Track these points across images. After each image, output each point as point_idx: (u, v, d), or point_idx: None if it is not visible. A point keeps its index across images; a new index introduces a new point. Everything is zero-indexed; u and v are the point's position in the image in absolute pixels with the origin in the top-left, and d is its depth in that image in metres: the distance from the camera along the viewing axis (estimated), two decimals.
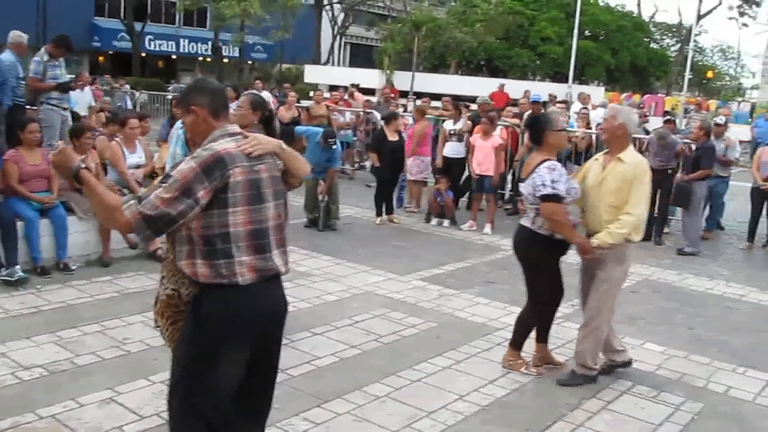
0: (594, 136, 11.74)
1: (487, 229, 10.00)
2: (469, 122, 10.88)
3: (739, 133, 15.81)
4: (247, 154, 2.95)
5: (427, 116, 12.00)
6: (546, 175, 4.82)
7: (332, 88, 21.38)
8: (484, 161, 9.96)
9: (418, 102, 16.60)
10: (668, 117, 12.54)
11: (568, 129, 11.97)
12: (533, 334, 5.32)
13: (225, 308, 2.92)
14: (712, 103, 28.89)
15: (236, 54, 38.22)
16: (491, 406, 4.64)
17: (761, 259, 9.70)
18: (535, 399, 4.81)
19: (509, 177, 12.14)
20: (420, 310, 6.46)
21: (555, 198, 4.78)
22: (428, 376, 5.03)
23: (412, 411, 4.47)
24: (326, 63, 40.26)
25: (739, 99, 47.21)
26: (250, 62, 42.25)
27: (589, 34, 43.10)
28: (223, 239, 2.87)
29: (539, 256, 5.10)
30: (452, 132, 10.79)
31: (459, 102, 12.15)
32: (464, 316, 6.41)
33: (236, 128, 3.09)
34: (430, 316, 6.29)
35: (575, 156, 11.76)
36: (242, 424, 3.22)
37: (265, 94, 17.51)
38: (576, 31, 29.17)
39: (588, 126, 12.07)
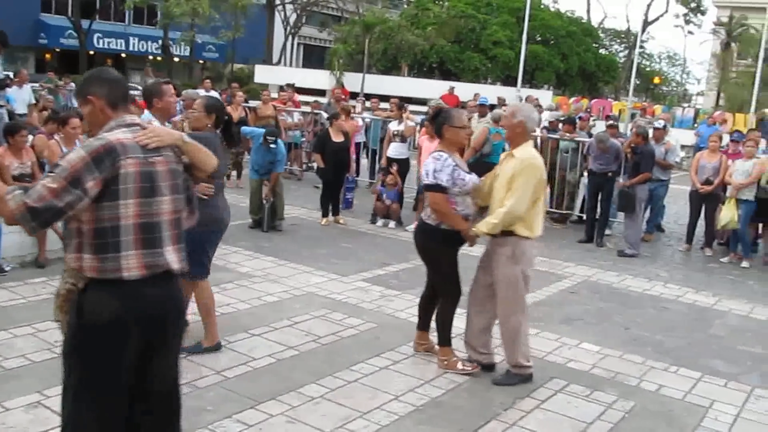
0: (539, 139, 11.88)
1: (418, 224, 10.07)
2: (412, 123, 10.98)
3: (682, 137, 16.20)
4: (143, 145, 2.86)
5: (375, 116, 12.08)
6: (429, 165, 5.00)
7: (282, 88, 21.23)
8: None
9: (368, 103, 16.64)
10: (611, 122, 12.78)
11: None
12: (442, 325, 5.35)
13: (106, 303, 2.80)
14: (658, 108, 29.47)
15: (187, 53, 37.79)
16: (426, 406, 4.66)
17: (699, 261, 9.92)
18: (470, 399, 4.84)
19: None
20: (361, 311, 6.46)
21: (436, 188, 4.94)
22: (365, 376, 5.03)
23: (346, 412, 4.46)
24: (278, 63, 40.04)
25: (685, 105, 48.37)
26: (201, 62, 41.81)
27: (539, 38, 43.66)
28: (113, 232, 2.78)
29: (432, 247, 5.20)
30: (395, 133, 10.90)
31: (403, 103, 12.24)
32: (405, 316, 6.42)
33: (135, 119, 3.00)
34: (371, 317, 6.29)
35: None
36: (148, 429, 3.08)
37: (213, 94, 17.38)
38: (525, 35, 29.52)
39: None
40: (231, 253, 8.09)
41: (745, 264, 9.68)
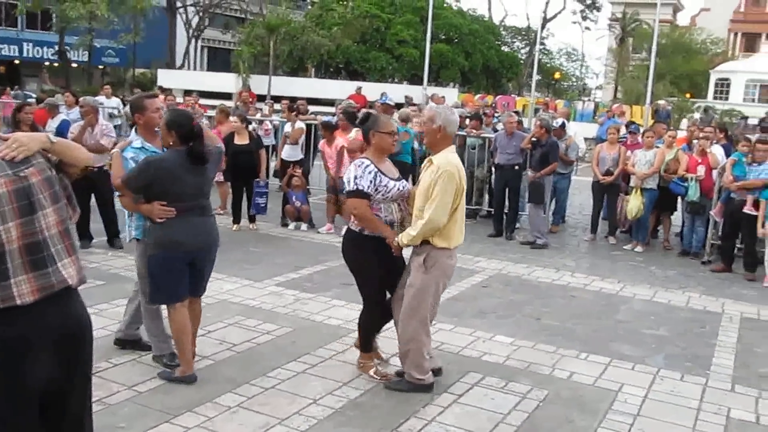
0: None
1: (323, 229, 10.20)
2: (302, 125, 11.21)
3: (583, 131, 16.72)
4: (10, 159, 2.64)
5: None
6: (351, 172, 4.95)
7: (187, 92, 20.81)
8: (334, 164, 10.06)
9: (277, 106, 16.48)
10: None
11: (395, 132, 12.29)
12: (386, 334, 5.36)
13: (2, 332, 2.61)
14: (560, 103, 30.35)
15: (85, 58, 36.52)
16: (345, 408, 4.65)
17: (603, 249, 10.26)
18: (389, 398, 4.86)
19: None
20: (275, 315, 6.39)
21: (356, 193, 4.87)
22: (282, 382, 4.97)
23: (264, 419, 4.40)
24: (181, 67, 39.20)
25: (585, 99, 49.93)
26: (101, 67, 40.48)
27: (443, 37, 44.21)
28: None
29: (355, 254, 5.10)
30: (286, 134, 11.06)
31: (293, 105, 12.36)
32: (320, 319, 6.39)
33: None
34: (286, 322, 6.24)
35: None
36: None
37: (114, 101, 16.90)
38: (429, 34, 29.85)
39: None
40: None
41: (639, 249, 10.09)
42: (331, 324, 6.29)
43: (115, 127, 14.82)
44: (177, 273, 4.77)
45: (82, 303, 2.90)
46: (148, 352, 5.34)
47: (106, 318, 6.04)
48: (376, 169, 4.92)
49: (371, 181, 4.86)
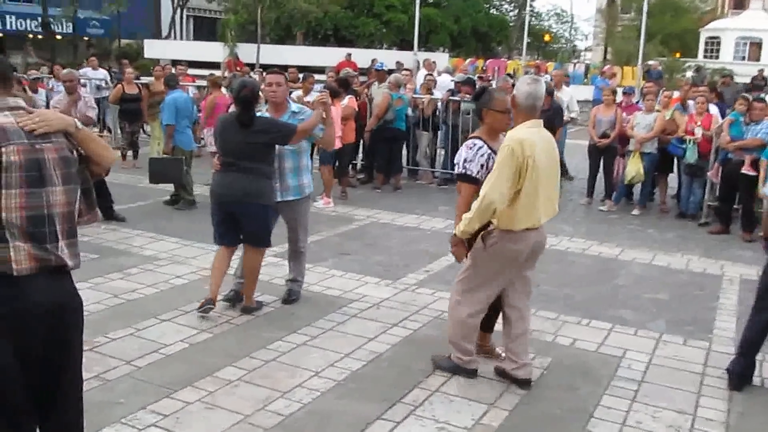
0: (439, 102, 11.89)
1: (321, 202, 9.76)
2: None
3: (575, 93, 16.57)
4: (30, 131, 2.65)
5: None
6: (461, 153, 4.54)
7: (174, 63, 20.50)
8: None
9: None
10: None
11: (415, 95, 12.11)
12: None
13: None
14: (551, 66, 30.15)
15: (70, 30, 35.93)
16: (347, 380, 4.58)
17: (600, 213, 10.19)
18: (391, 369, 4.80)
19: (360, 147, 12.13)
20: (273, 287, 6.29)
21: (464, 178, 4.49)
22: (282, 354, 4.91)
23: (266, 393, 4.34)
24: (167, 37, 38.64)
25: (575, 60, 49.59)
26: (86, 38, 39.85)
27: (431, 1, 43.71)
28: None
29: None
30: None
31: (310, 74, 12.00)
32: (318, 290, 6.32)
33: (19, 102, 2.76)
34: (284, 293, 6.14)
35: (422, 122, 11.89)
36: None
37: (101, 72, 16.62)
38: None
39: (430, 92, 12.17)
40: (132, 237, 7.79)
41: (635, 212, 10.05)
42: (330, 294, 6.21)
43: (103, 99, 14.68)
44: (215, 219, 5.62)
45: (74, 285, 2.89)
46: (146, 325, 5.27)
47: (101, 292, 5.96)
48: (489, 151, 4.47)
49: (483, 165, 4.43)
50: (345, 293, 6.24)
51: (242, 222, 5.51)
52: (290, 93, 10.99)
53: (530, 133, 4.34)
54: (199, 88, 14.69)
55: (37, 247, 2.65)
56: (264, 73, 16.92)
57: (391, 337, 5.32)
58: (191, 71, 17.53)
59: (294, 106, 5.75)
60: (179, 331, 5.24)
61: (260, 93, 5.61)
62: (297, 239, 5.97)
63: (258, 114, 5.53)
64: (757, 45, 48.10)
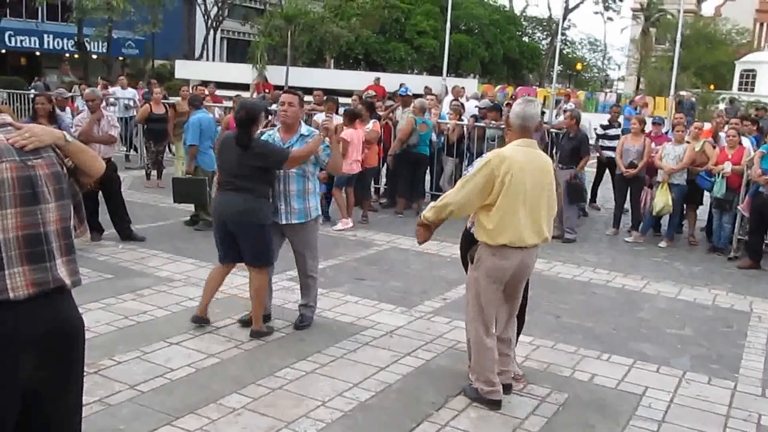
0: (465, 128, 11.78)
1: (339, 225, 9.78)
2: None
3: (600, 121, 16.39)
4: (20, 147, 2.58)
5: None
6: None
7: (204, 83, 20.67)
8: (354, 154, 9.81)
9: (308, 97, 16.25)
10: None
11: (440, 120, 12.03)
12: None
13: None
14: (581, 94, 30.01)
15: (104, 50, 36.51)
16: (354, 410, 4.44)
17: (626, 244, 9.97)
18: (400, 399, 4.65)
19: (383, 171, 12.06)
20: (286, 312, 6.17)
21: None
22: (290, 382, 4.78)
23: (270, 422, 4.21)
24: (200, 58, 39.11)
25: (607, 90, 49.36)
26: (120, 58, 40.49)
27: (463, 27, 43.84)
28: None
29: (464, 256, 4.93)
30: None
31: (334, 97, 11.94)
32: (332, 316, 6.19)
33: (6, 118, 2.69)
34: (296, 318, 6.01)
35: (447, 148, 11.78)
36: None
37: (131, 92, 16.79)
38: (449, 24, 29.46)
39: (460, 118, 12.08)
40: (149, 257, 7.73)
41: (663, 244, 9.81)
42: (343, 321, 6.08)
43: (130, 118, 14.80)
44: (217, 238, 5.70)
45: (74, 304, 2.78)
46: (154, 348, 5.18)
47: (113, 313, 5.89)
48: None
49: None
50: (359, 320, 6.10)
51: (239, 240, 5.49)
52: (313, 115, 11.03)
53: (517, 152, 4.42)
54: (225, 109, 14.74)
55: (35, 269, 2.56)
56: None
57: (403, 366, 5.17)
58: (221, 92, 17.64)
59: (304, 129, 5.68)
60: (187, 355, 5.14)
61: (260, 115, 5.53)
62: (305, 265, 5.84)
63: (268, 133, 5.60)
64: None
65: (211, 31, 41.11)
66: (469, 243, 4.82)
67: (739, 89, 46.05)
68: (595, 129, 12.22)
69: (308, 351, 5.33)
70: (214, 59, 42.68)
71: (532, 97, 4.96)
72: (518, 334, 5.11)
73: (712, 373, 5.42)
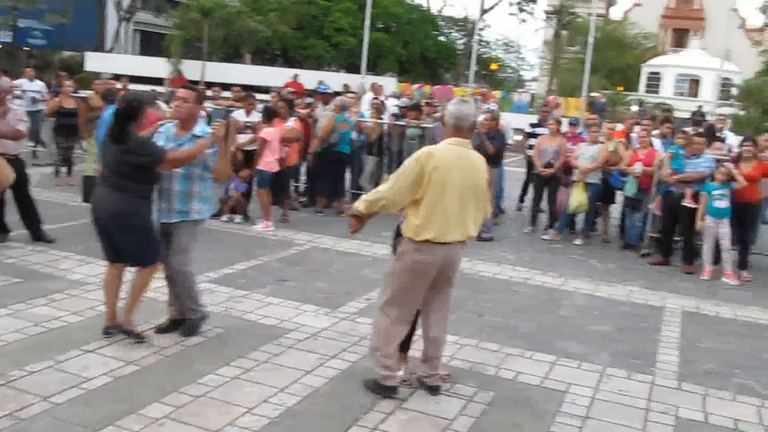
0: (385, 126, 11.77)
1: (260, 226, 9.61)
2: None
3: (518, 121, 16.71)
4: None
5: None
6: None
7: (116, 77, 20.00)
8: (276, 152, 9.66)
9: (209, 92, 15.91)
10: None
11: (360, 119, 11.98)
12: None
13: None
14: (497, 93, 30.46)
15: (9, 39, 34.95)
16: (282, 416, 4.34)
17: (544, 242, 10.16)
18: (329, 404, 4.57)
19: (303, 169, 11.93)
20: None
21: None
22: (213, 389, 4.63)
23: None
24: (111, 50, 37.90)
25: (520, 90, 50.31)
26: (26, 48, 38.82)
27: (381, 26, 43.86)
28: None
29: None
30: (247, 124, 10.52)
31: (251, 93, 11.74)
32: (254, 318, 6.06)
33: None
34: (218, 321, 5.86)
35: (368, 146, 11.75)
36: None
37: (39, 84, 16.08)
38: (368, 22, 29.47)
39: (380, 116, 12.06)
40: (60, 259, 7.40)
41: (578, 241, 10.06)
42: (266, 323, 5.96)
43: (37, 111, 14.17)
44: (97, 235, 5.40)
45: None
46: (68, 356, 4.95)
47: (22, 320, 5.59)
48: None
49: None
50: (282, 322, 5.99)
51: (114, 238, 5.26)
52: (231, 112, 10.81)
53: (448, 150, 4.54)
54: None
55: None
56: (207, 90, 16.60)
57: (330, 370, 5.10)
58: (133, 86, 17.10)
59: (199, 129, 5.39)
60: (104, 363, 4.92)
61: (140, 111, 5.21)
62: (170, 260, 5.46)
63: (165, 126, 5.47)
64: (695, 82, 49.60)
65: (123, 23, 39.89)
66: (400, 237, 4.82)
67: (646, 91, 47.76)
68: (523, 129, 12.45)
69: (231, 355, 5.19)
70: (127, 52, 41.44)
71: (467, 97, 5.09)
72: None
73: (631, 368, 5.56)
